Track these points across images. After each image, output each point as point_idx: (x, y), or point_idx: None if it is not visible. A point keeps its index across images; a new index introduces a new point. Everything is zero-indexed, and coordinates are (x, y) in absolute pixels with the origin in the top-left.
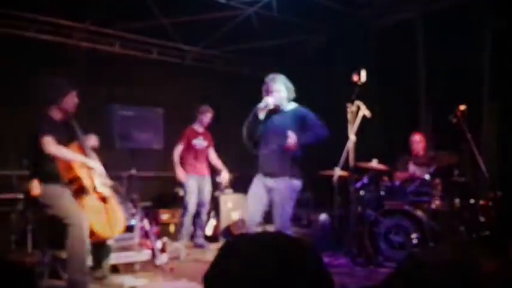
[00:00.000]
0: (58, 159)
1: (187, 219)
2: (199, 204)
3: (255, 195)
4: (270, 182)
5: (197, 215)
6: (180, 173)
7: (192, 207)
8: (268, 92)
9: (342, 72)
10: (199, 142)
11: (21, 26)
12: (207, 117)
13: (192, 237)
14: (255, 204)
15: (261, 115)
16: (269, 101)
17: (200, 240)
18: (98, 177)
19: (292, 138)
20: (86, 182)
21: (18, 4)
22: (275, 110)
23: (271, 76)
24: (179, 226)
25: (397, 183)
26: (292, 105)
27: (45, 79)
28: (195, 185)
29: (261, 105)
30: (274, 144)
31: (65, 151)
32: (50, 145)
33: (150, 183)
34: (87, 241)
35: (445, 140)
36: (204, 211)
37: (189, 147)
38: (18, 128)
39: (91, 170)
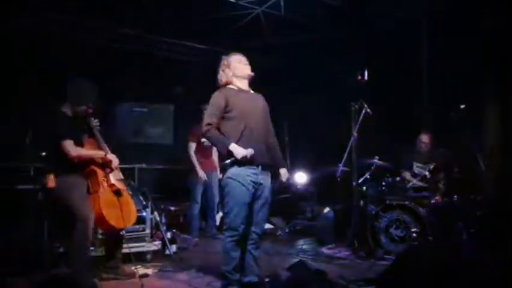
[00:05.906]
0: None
1: (195, 212)
2: (208, 199)
3: None
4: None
5: (207, 207)
6: (201, 172)
7: (198, 200)
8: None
9: (346, 71)
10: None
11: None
12: None
13: (202, 228)
14: None
15: None
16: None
17: (213, 231)
18: (112, 171)
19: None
20: (101, 177)
21: None
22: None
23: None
24: (189, 218)
25: (398, 179)
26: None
27: (79, 80)
28: (202, 180)
29: None
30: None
31: (84, 152)
32: (70, 149)
33: (159, 176)
34: (90, 236)
35: (445, 138)
36: (213, 204)
37: (198, 145)
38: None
39: (107, 164)
